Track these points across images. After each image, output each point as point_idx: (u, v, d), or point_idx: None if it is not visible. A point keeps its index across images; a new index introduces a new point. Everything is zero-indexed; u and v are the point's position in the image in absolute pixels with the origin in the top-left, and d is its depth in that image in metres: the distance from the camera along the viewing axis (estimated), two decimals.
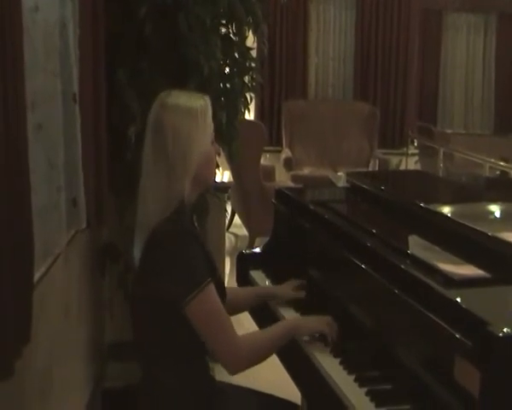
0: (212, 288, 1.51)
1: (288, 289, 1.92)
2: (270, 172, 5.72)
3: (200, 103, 1.58)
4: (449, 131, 7.34)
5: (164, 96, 1.59)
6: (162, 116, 1.55)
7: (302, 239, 2.07)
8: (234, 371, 1.56)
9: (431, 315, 1.28)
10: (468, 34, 7.58)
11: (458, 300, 1.25)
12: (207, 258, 1.60)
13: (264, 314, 1.94)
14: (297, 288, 1.91)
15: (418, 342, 1.35)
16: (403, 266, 1.48)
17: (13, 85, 1.33)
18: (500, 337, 1.11)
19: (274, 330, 1.66)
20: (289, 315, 1.83)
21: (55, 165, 1.83)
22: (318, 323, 1.65)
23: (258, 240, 4.98)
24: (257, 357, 1.59)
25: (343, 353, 1.57)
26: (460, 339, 1.17)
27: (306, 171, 6.41)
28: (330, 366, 1.52)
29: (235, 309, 1.90)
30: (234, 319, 1.60)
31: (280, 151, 6.71)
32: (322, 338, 1.64)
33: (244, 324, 2.02)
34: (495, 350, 1.11)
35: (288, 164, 6.35)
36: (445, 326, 1.22)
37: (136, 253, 1.59)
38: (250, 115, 5.53)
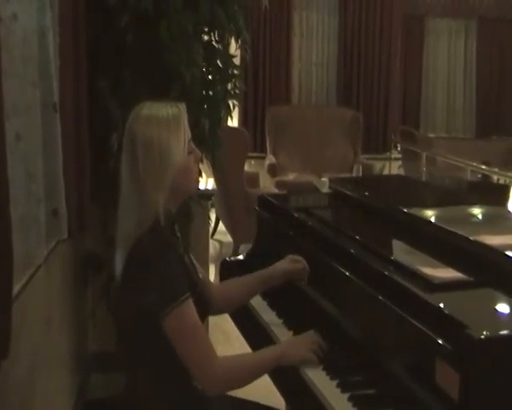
0: (189, 304, 1.48)
1: (284, 263, 1.81)
2: (254, 179, 5.73)
3: (173, 112, 1.54)
4: (431, 135, 7.40)
5: (138, 108, 1.56)
6: (134, 128, 1.53)
7: (285, 246, 2.07)
8: (209, 391, 1.52)
9: (411, 319, 1.29)
10: (449, 39, 7.66)
11: (438, 303, 1.26)
12: (187, 272, 1.58)
13: (255, 332, 1.88)
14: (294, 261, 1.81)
15: (400, 346, 1.36)
16: (385, 272, 1.49)
17: None
18: (479, 340, 1.12)
19: (258, 356, 1.62)
20: (281, 332, 1.77)
21: (34, 176, 1.81)
22: (304, 351, 1.57)
23: (242, 247, 4.98)
24: (236, 381, 1.55)
25: (326, 358, 1.57)
26: (440, 342, 1.18)
27: (291, 177, 6.42)
28: (313, 372, 1.53)
29: (233, 305, 1.88)
30: (222, 332, 1.52)
31: (264, 157, 6.72)
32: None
33: (234, 343, 1.98)
34: (474, 353, 1.12)
35: (272, 170, 6.36)
36: (426, 330, 1.23)
37: (118, 266, 1.57)
38: (234, 122, 5.54)
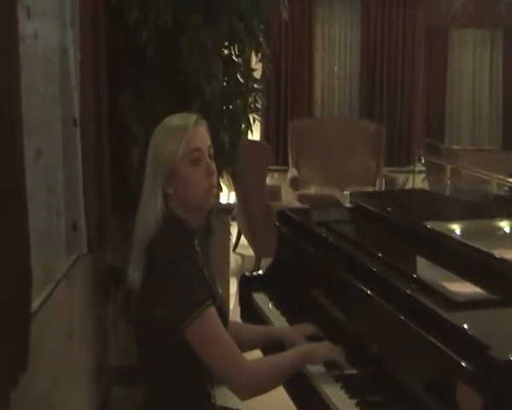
0: (212, 310, 1.49)
1: (300, 335, 1.77)
2: (276, 192, 5.71)
3: (179, 122, 1.59)
4: (456, 147, 7.31)
5: None
6: None
7: (305, 262, 2.05)
8: (242, 396, 1.51)
9: (432, 339, 1.25)
10: (474, 50, 7.58)
11: (460, 323, 1.23)
12: (207, 284, 1.58)
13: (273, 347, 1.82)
14: (309, 336, 1.78)
15: (421, 365, 1.33)
16: (407, 291, 1.45)
17: (9, 112, 1.33)
18: (502, 362, 1.08)
19: (286, 355, 1.61)
20: None
21: (54, 190, 1.82)
22: (331, 351, 1.60)
23: (264, 260, 4.96)
24: (267, 383, 1.54)
25: (345, 377, 1.54)
26: (462, 363, 1.15)
27: (313, 190, 6.39)
28: (331, 390, 1.50)
29: (242, 347, 1.86)
30: None
31: (286, 171, 6.71)
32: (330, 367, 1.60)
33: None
34: (496, 375, 1.08)
35: (295, 183, 6.34)
36: (447, 350, 1.20)
37: (131, 274, 1.58)
38: (256, 135, 5.54)
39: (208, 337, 1.48)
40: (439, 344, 1.23)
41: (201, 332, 1.47)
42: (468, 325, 1.21)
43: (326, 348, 1.61)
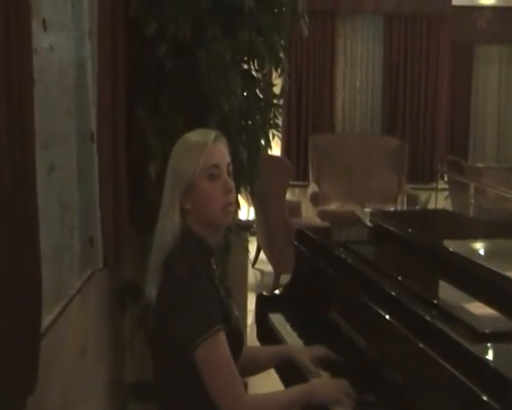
0: (222, 336, 1.46)
1: (307, 357, 1.72)
2: (296, 208, 5.65)
3: (198, 138, 1.59)
4: (480, 165, 7.18)
5: None
6: None
7: (323, 283, 2.00)
8: None
9: (455, 371, 1.19)
10: (499, 66, 7.47)
11: (485, 356, 1.16)
12: (221, 304, 1.56)
13: (291, 374, 1.78)
14: (318, 359, 1.73)
15: (441, 399, 1.26)
16: (427, 318, 1.39)
17: (21, 127, 1.31)
18: None
19: (287, 393, 1.58)
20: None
21: (67, 205, 1.81)
22: (336, 392, 1.53)
23: (283, 277, 4.90)
24: None
25: (360, 404, 1.48)
26: (485, 399, 1.08)
27: (333, 206, 6.31)
28: None
29: (258, 369, 1.83)
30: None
31: (307, 186, 6.65)
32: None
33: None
34: None
35: (315, 199, 6.27)
36: (471, 385, 1.13)
37: (148, 290, 1.57)
38: (276, 150, 5.51)
39: (214, 363, 1.46)
40: (461, 377, 1.16)
41: (209, 355, 1.45)
42: (494, 358, 1.15)
43: (332, 387, 1.55)
